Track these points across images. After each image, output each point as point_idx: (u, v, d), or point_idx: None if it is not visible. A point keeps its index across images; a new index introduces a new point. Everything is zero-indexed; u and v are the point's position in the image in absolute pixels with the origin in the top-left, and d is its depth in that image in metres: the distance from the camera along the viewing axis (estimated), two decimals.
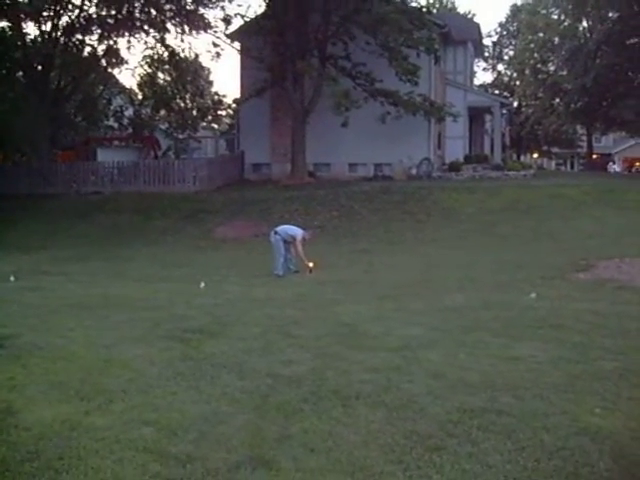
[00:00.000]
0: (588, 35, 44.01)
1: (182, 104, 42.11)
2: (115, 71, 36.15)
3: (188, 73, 38.69)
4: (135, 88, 40.97)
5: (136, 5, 29.55)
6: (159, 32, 30.67)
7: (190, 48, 66.89)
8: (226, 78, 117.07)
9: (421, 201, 22.37)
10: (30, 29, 60.97)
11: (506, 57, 60.53)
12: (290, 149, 27.56)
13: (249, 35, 27.88)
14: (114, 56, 32.82)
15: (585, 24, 44.97)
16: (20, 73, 31.26)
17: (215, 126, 50.34)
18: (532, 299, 9.70)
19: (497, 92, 54.35)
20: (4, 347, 6.95)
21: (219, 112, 45.73)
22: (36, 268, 15.13)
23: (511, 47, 59.40)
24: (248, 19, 28.51)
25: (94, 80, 34.32)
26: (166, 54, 32.46)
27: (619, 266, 12.25)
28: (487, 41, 56.26)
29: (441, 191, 23.34)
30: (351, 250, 17.65)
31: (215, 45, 29.81)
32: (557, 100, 50.07)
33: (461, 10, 59.50)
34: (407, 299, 10.03)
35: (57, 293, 11.15)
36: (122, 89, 39.21)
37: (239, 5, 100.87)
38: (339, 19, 25.99)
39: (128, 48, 40.82)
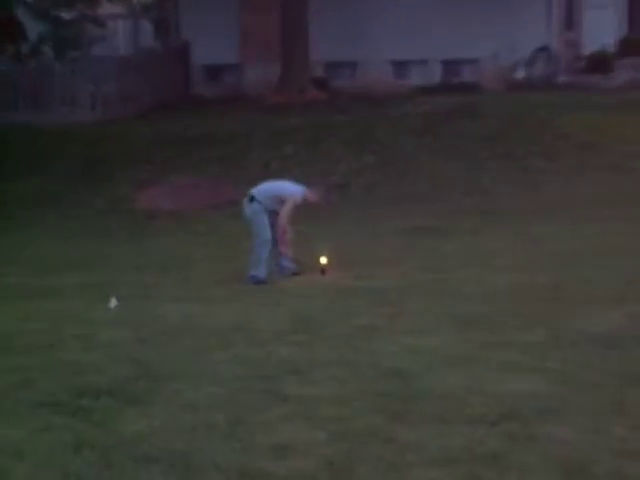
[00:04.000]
0: None
1: None
2: None
3: None
4: None
5: None
6: None
7: None
8: None
9: (535, 132, 14.56)
10: None
11: None
12: (279, 38, 18.25)
13: None
14: None
15: None
16: None
17: None
18: None
19: None
20: None
21: None
22: None
23: None
24: None
25: None
26: None
27: None
28: None
29: (574, 111, 15.33)
30: (399, 229, 11.50)
31: None
32: None
33: None
34: (511, 323, 6.29)
35: None
36: None
37: None
38: None
39: None
